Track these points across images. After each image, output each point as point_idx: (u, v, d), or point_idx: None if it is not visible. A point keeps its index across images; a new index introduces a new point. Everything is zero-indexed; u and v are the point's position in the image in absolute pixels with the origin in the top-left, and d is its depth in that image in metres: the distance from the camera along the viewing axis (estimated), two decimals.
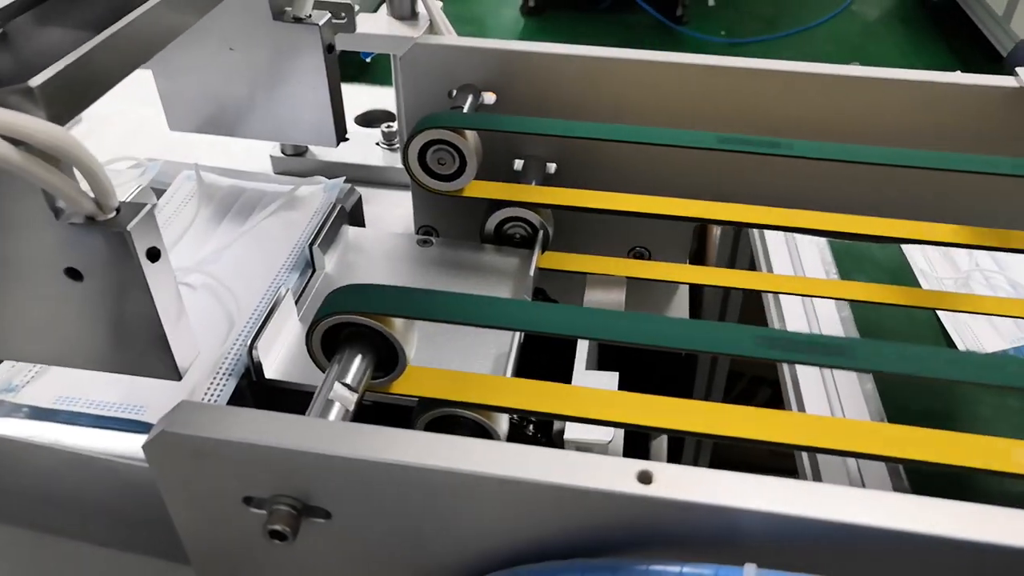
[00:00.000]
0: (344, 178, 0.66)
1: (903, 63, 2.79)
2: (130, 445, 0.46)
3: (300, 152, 0.83)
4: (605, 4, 3.12)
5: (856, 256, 0.85)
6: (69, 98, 0.32)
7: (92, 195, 0.35)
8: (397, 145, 0.84)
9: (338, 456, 0.32)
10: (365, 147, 0.85)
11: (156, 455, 0.35)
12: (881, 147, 0.59)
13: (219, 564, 0.39)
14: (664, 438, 0.68)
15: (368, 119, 0.93)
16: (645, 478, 0.31)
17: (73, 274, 0.38)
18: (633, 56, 0.63)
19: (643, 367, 0.58)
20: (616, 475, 0.31)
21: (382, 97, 0.96)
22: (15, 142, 0.30)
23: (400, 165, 0.84)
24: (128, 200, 0.36)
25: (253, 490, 0.35)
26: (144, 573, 0.49)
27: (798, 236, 0.86)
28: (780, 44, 2.97)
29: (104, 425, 0.47)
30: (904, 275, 0.83)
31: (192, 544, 0.38)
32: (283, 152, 0.82)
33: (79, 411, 0.47)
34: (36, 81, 0.30)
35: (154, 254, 0.38)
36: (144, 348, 0.41)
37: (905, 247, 0.85)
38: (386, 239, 0.61)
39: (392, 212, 0.78)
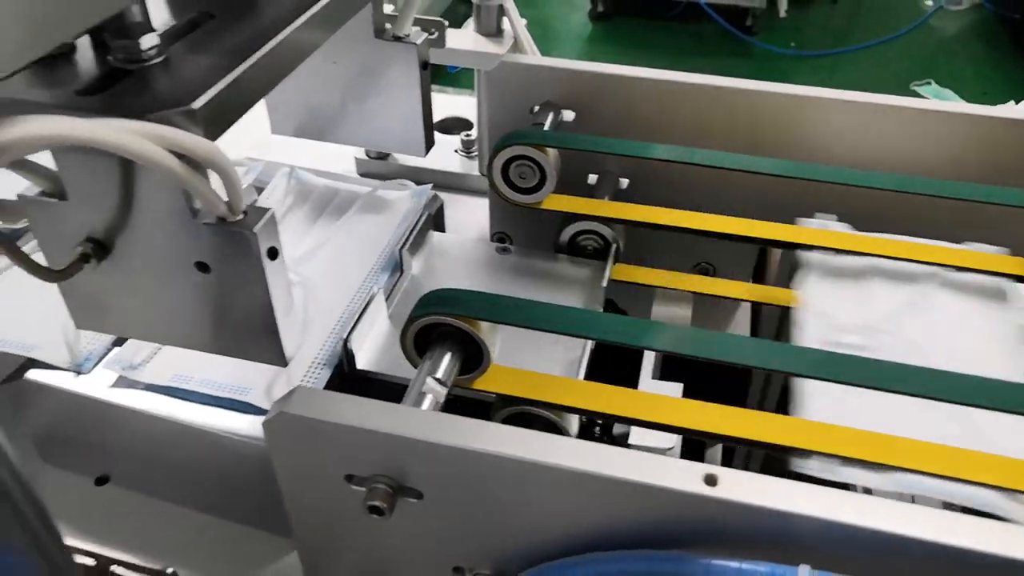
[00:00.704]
0: (431, 185, 0.71)
1: (980, 82, 2.74)
2: (235, 422, 0.51)
3: (383, 156, 0.88)
4: (674, 12, 3.13)
5: None
6: (221, 117, 0.37)
7: (225, 199, 0.40)
8: (475, 153, 0.88)
9: (434, 443, 0.36)
10: (444, 153, 0.89)
11: (273, 432, 0.39)
12: (955, 182, 0.60)
13: (318, 535, 0.44)
14: (719, 448, 0.70)
15: (446, 126, 0.98)
16: (711, 480, 0.34)
17: (202, 267, 0.43)
18: (707, 81, 0.66)
19: (698, 381, 0.61)
20: (685, 476, 0.34)
21: (460, 104, 1.01)
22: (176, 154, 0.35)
23: (477, 172, 0.89)
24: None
25: (355, 469, 0.39)
26: (240, 540, 0.54)
27: None
28: (851, 58, 2.94)
29: (213, 403, 0.52)
30: None
31: (296, 515, 0.43)
32: (367, 155, 0.87)
33: (192, 389, 0.52)
34: (198, 103, 0.35)
35: (273, 253, 0.42)
36: (257, 336, 0.45)
37: None
38: (467, 245, 0.65)
39: (468, 217, 0.82)
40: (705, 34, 3.10)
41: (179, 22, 0.41)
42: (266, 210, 0.42)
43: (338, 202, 0.68)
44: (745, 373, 1.07)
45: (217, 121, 0.36)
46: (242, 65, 0.38)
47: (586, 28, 3.25)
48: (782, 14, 3.11)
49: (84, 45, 0.39)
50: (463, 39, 0.76)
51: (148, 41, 0.37)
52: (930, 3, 3.17)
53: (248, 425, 0.51)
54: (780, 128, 0.66)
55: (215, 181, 0.39)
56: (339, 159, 0.87)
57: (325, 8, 0.44)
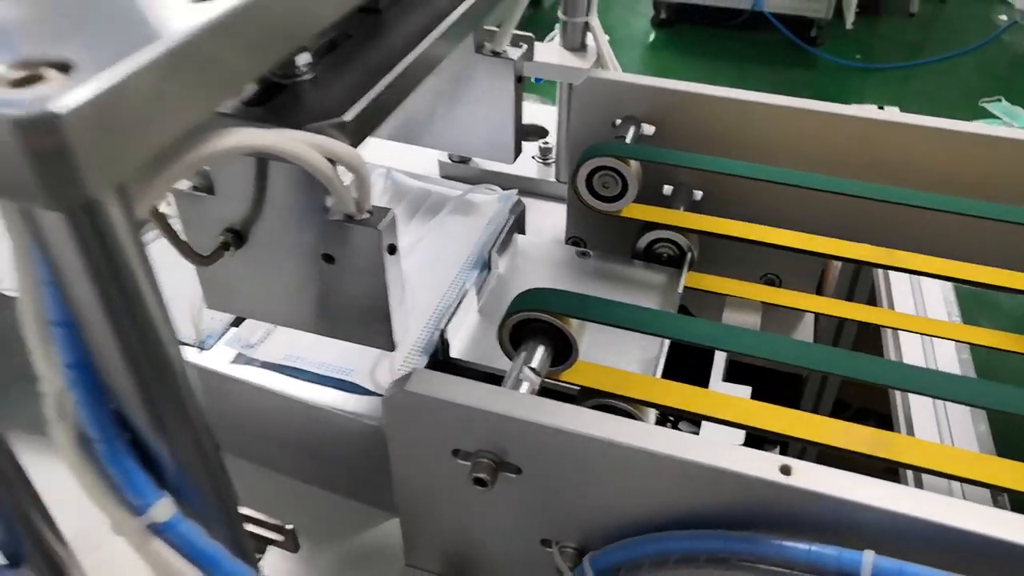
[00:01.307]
0: (516, 190, 0.75)
1: None
2: (340, 400, 0.56)
3: (465, 160, 0.93)
4: (738, 20, 3.13)
5: (981, 301, 0.87)
6: (364, 127, 0.42)
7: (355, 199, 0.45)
8: (551, 160, 0.93)
9: (538, 423, 0.41)
10: (521, 159, 0.93)
11: (392, 408, 0.44)
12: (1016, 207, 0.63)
13: (419, 504, 0.49)
14: (776, 448, 0.74)
15: (523, 133, 1.02)
16: (786, 470, 0.38)
17: (328, 258, 0.48)
18: (781, 102, 0.69)
19: (757, 384, 0.64)
20: (762, 464, 0.38)
21: (536, 112, 1.05)
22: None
23: (552, 179, 0.93)
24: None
25: (462, 444, 0.44)
26: (338, 509, 0.59)
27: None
28: (919, 72, 2.90)
29: (320, 381, 0.57)
30: None
31: (402, 484, 0.48)
32: (450, 159, 0.93)
33: (302, 368, 0.58)
34: (348, 116, 0.40)
35: (392, 249, 0.47)
36: (371, 322, 0.50)
37: None
38: (549, 248, 0.70)
39: (544, 221, 0.86)
40: (768, 44, 3.09)
41: (322, 41, 0.47)
42: (388, 210, 0.47)
43: (430, 203, 0.74)
44: (797, 386, 1.10)
45: (361, 131, 0.42)
46: (382, 81, 0.43)
47: (648, 35, 3.27)
48: (848, 25, 3.09)
49: None
50: (549, 53, 0.81)
51: (303, 59, 0.43)
52: (1004, 18, 3.11)
53: (352, 403, 0.56)
54: (849, 149, 0.69)
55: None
56: (423, 161, 0.92)
57: (449, 28, 0.49)
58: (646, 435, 0.40)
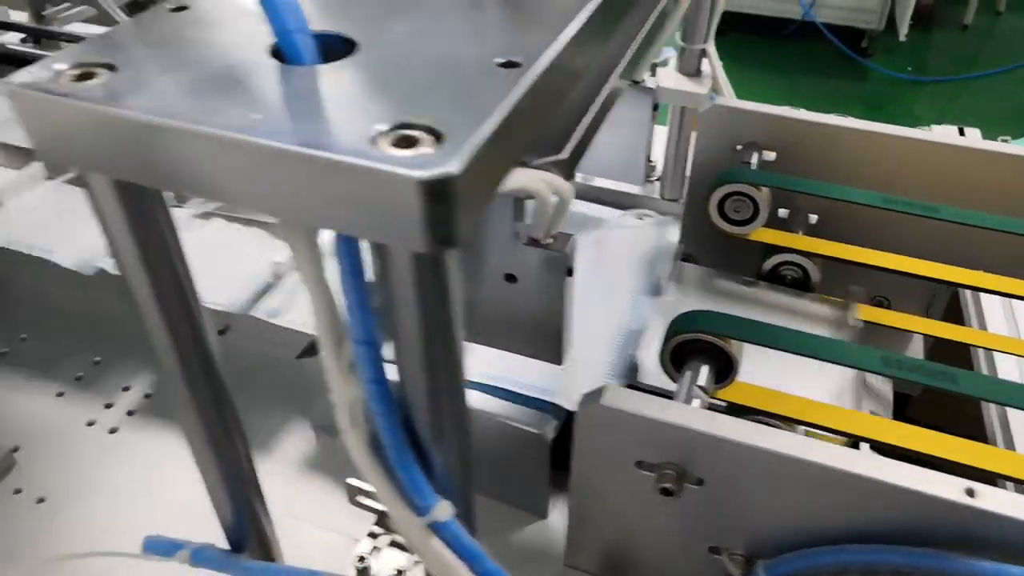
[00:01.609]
0: (670, 216, 0.78)
1: None
2: (501, 407, 0.60)
3: (570, 176, 0.96)
4: (789, 30, 3.14)
5: None
6: (574, 161, 0.46)
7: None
8: (655, 178, 0.96)
9: (724, 438, 0.44)
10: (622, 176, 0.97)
11: (584, 419, 0.48)
12: None
13: (592, 509, 0.52)
14: None
15: None
16: (971, 493, 0.41)
17: (510, 278, 0.52)
18: (895, 132, 0.72)
19: None
20: (949, 487, 0.42)
21: None
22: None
23: (657, 196, 0.96)
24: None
25: (647, 456, 0.47)
26: (486, 512, 0.63)
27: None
28: (971, 85, 2.89)
29: (488, 391, 0.61)
30: None
31: (578, 490, 0.52)
32: None
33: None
34: (565, 154, 0.44)
35: (571, 271, 0.51)
36: (543, 337, 0.54)
37: None
38: (713, 275, 0.73)
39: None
40: (819, 54, 3.09)
41: None
42: (570, 235, 0.50)
43: (587, 226, 0.77)
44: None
45: (572, 165, 0.45)
46: (584, 120, 0.47)
47: None
48: (901, 37, 3.08)
49: None
50: (666, 78, 0.84)
51: None
52: None
53: (514, 412, 0.59)
54: (959, 178, 0.72)
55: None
56: None
57: (627, 64, 0.53)
58: (829, 453, 0.43)
